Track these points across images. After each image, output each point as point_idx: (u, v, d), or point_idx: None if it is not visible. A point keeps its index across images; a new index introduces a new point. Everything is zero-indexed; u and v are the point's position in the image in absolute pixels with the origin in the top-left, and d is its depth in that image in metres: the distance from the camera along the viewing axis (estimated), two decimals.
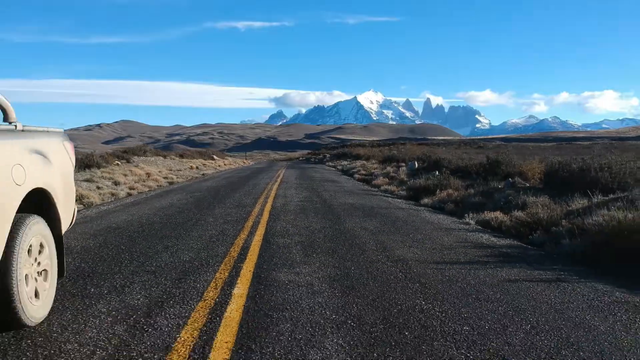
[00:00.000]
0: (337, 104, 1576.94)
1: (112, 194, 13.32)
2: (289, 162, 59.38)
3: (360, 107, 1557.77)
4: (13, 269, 3.03)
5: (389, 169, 26.00)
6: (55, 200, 3.66)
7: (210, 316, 3.59)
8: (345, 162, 40.92)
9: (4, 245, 2.98)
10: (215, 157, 64.33)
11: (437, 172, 18.84)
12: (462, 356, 3.02)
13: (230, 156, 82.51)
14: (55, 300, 3.64)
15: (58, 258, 3.72)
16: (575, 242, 6.71)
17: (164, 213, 9.46)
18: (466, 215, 9.81)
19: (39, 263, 3.41)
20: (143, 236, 6.89)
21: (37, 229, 3.35)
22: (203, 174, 26.37)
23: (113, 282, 4.49)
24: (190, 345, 3.06)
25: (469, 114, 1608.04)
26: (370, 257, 5.77)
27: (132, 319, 3.52)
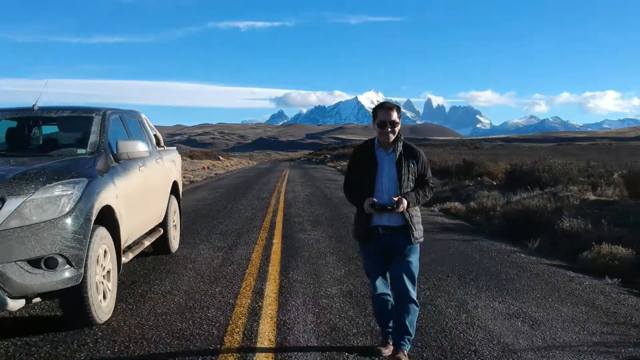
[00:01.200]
0: (338, 104, 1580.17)
1: None
2: (291, 163, 62.33)
3: (361, 107, 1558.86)
4: (169, 218, 6.08)
5: None
6: (180, 186, 6.71)
7: (264, 249, 6.65)
8: (344, 163, 43.90)
9: (166, 206, 6.03)
10: (220, 157, 67.43)
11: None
12: (307, 179, 6.04)
13: (234, 156, 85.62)
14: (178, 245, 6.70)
15: (180, 217, 6.79)
16: (501, 221, 9.72)
17: (203, 204, 12.45)
18: (434, 205, 12.84)
19: (174, 218, 6.45)
20: (199, 217, 9.91)
21: (175, 204, 6.42)
22: (216, 174, 29.36)
23: (200, 238, 7.53)
24: (259, 258, 6.11)
25: (470, 114, 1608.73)
26: (314, 178, 8.80)
27: (223, 250, 6.57)
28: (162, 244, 6.05)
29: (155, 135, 6.41)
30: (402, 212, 3.21)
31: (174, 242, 6.40)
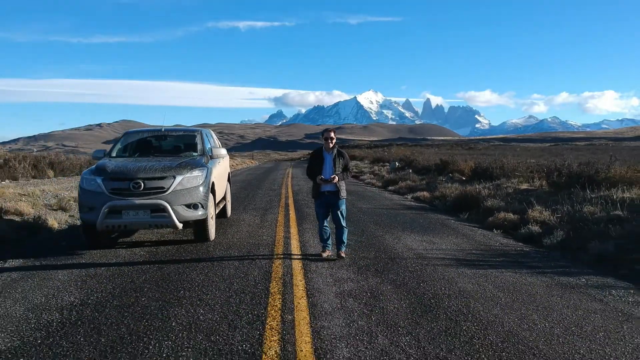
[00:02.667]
0: (337, 104, 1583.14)
1: None
2: (292, 162, 66.03)
3: (360, 107, 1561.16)
4: (227, 194, 9.84)
5: (376, 167, 32.74)
6: (231, 176, 10.46)
7: (285, 216, 10.41)
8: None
9: (226, 186, 9.78)
10: None
11: (410, 170, 25.66)
12: (374, 224, 9.78)
13: (236, 157, 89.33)
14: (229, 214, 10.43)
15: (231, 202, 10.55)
16: (451, 203, 13.47)
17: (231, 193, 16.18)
18: (408, 194, 16.59)
19: (229, 196, 10.21)
20: (232, 201, 13.64)
21: (228, 186, 10.17)
22: (242, 169, 33.06)
23: (240, 211, 11.28)
24: (283, 220, 9.88)
25: (468, 114, 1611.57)
26: (349, 210, 12.51)
27: (258, 217, 10.34)
28: (222, 210, 9.79)
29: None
30: (335, 183, 6.80)
31: (229, 211, 10.15)
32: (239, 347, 3.67)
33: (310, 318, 4.26)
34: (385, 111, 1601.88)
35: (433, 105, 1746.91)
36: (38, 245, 7.85)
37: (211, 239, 7.60)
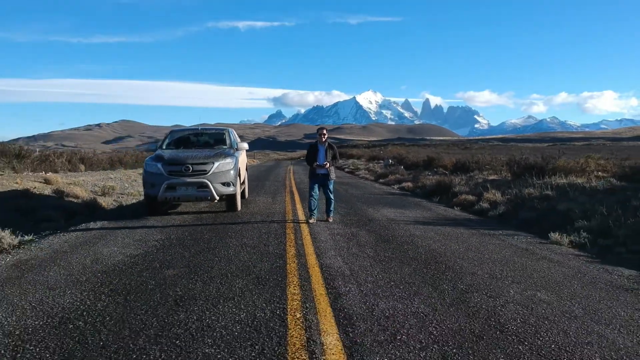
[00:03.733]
0: (336, 104, 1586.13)
1: None
2: (292, 161, 68.65)
3: (359, 107, 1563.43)
4: (246, 180, 12.51)
5: (371, 164, 35.40)
6: (248, 167, 13.11)
7: (291, 198, 13.09)
8: (340, 161, 50.36)
9: (245, 173, 12.46)
10: None
11: (402, 166, 28.32)
12: (361, 203, 12.46)
13: None
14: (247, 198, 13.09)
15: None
16: (428, 190, 16.13)
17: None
18: (395, 185, 19.26)
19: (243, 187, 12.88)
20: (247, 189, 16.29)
21: (246, 174, 12.83)
22: (246, 166, 35.76)
23: (254, 196, 13.94)
24: (289, 200, 12.56)
25: (468, 114, 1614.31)
26: (342, 195, 15.21)
27: (270, 198, 13.01)
28: (241, 192, 12.43)
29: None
30: (327, 168, 9.42)
31: (247, 193, 12.80)
32: (273, 251, 6.33)
33: (312, 242, 6.93)
34: (384, 111, 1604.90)
35: (432, 105, 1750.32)
36: (106, 215, 10.51)
37: (238, 210, 10.27)
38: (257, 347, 3.34)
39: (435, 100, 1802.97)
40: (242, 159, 11.53)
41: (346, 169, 34.37)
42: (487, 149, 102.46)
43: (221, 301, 4.31)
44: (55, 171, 18.89)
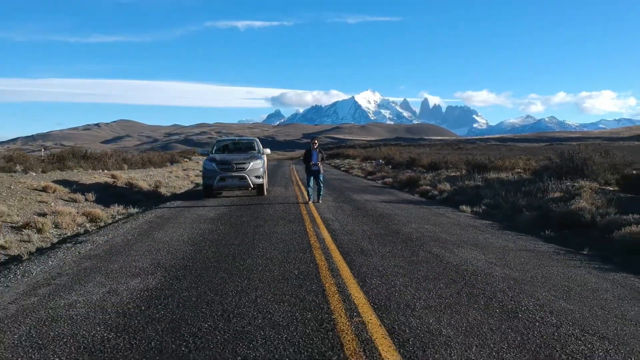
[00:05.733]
0: (334, 104, 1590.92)
1: None
2: (292, 161, 73.48)
3: (358, 106, 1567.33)
4: (265, 178, 17.54)
5: (365, 164, 40.36)
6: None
7: (299, 189, 18.04)
8: (337, 161, 55.27)
9: (267, 174, 17.48)
10: None
11: (390, 166, 33.33)
12: (349, 192, 17.43)
13: None
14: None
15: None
16: (402, 183, 21.10)
17: None
18: (379, 180, 24.22)
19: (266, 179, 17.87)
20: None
21: (267, 174, 17.86)
22: None
23: (271, 187, 18.90)
24: (297, 190, 17.52)
25: (466, 114, 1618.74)
26: (336, 187, 20.17)
27: (283, 188, 17.96)
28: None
29: None
30: (318, 165, 14.33)
31: (266, 185, 17.76)
32: (294, 212, 11.28)
33: (316, 209, 11.89)
34: (383, 111, 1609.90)
35: (431, 105, 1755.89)
36: (174, 198, 15.44)
37: (265, 194, 15.23)
38: (295, 242, 8.27)
39: (433, 100, 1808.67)
40: (265, 160, 16.47)
41: (342, 168, 39.32)
42: (480, 149, 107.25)
43: (275, 226, 9.26)
44: (108, 169, 23.80)
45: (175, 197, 16.85)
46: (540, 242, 8.43)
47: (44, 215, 10.94)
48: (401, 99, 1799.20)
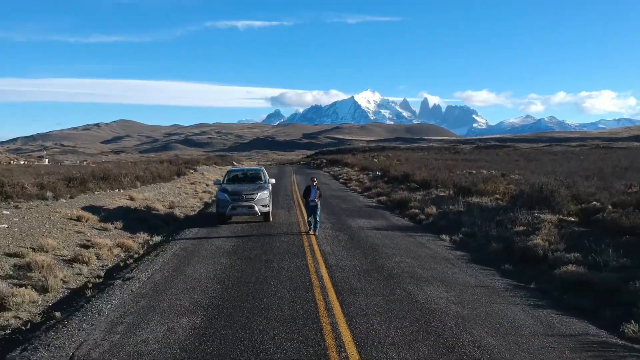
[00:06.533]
0: (334, 104, 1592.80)
1: None
2: (293, 167, 75.27)
3: (357, 106, 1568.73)
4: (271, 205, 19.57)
5: (362, 175, 42.35)
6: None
7: (300, 211, 20.02)
8: (336, 169, 57.23)
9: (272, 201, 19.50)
10: (234, 162, 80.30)
11: (385, 178, 35.34)
12: (345, 216, 19.41)
13: (243, 159, 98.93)
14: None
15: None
16: (394, 203, 23.08)
17: None
18: (374, 198, 26.21)
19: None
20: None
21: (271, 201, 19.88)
22: None
23: (275, 209, 20.88)
24: (298, 212, 19.51)
25: (466, 113, 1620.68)
26: (334, 208, 22.15)
27: (286, 211, 19.96)
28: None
29: None
30: (316, 201, 16.25)
31: (272, 210, 19.72)
32: (296, 243, 13.25)
33: (316, 241, 13.87)
34: (382, 111, 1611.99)
35: (430, 104, 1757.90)
36: (189, 223, 17.40)
37: (270, 221, 17.20)
38: (299, 280, 10.21)
39: (433, 100, 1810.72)
40: (270, 189, 18.49)
41: (341, 180, 41.28)
42: (476, 154, 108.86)
43: (282, 261, 11.23)
44: (124, 188, 25.77)
45: (189, 220, 18.85)
46: (498, 277, 10.42)
47: (85, 247, 12.95)
48: (401, 99, 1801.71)
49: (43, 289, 9.42)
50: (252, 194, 16.55)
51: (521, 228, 13.80)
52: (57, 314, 7.92)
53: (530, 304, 8.51)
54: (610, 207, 15.61)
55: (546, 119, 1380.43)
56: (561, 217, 14.88)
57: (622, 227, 12.01)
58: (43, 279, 9.72)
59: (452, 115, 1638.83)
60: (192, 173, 43.29)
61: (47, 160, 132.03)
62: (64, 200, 18.39)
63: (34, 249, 11.82)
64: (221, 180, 18.30)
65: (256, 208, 16.43)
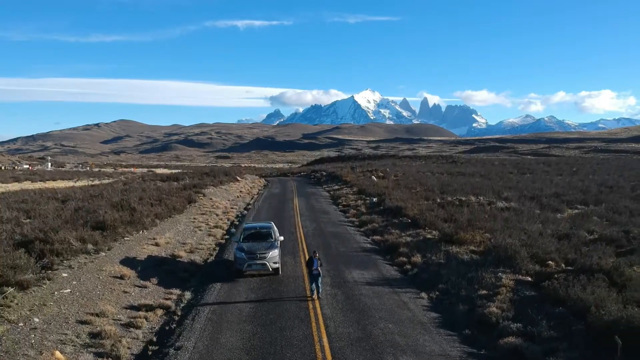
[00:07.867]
0: (334, 103, 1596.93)
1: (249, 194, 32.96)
2: (294, 182, 77.32)
3: (357, 106, 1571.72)
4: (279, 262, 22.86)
5: (359, 202, 45.51)
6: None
7: (303, 259, 23.27)
8: (336, 187, 60.17)
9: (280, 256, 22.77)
10: (238, 178, 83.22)
11: (381, 207, 38.61)
12: (341, 265, 22.67)
13: (246, 159, 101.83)
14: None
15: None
16: (386, 246, 26.31)
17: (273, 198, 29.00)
18: (370, 236, 29.44)
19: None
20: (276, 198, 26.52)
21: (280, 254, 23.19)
22: (258, 191, 45.84)
23: (282, 254, 24.14)
24: (302, 255, 22.78)
25: (465, 113, 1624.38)
26: (332, 252, 25.38)
27: (292, 259, 23.20)
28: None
29: None
30: (318, 270, 19.20)
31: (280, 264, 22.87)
32: (300, 307, 16.49)
33: (319, 304, 17.12)
34: (382, 110, 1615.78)
35: (430, 104, 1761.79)
36: (212, 275, 20.64)
37: (280, 274, 20.50)
38: (306, 353, 13.45)
39: (433, 99, 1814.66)
40: (279, 246, 21.63)
41: (340, 205, 44.39)
42: (472, 163, 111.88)
43: (292, 329, 14.45)
44: (146, 228, 29.01)
45: (210, 268, 22.13)
46: (457, 344, 13.67)
47: (135, 308, 16.21)
48: (401, 99, 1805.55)
49: (116, 358, 12.68)
50: (265, 253, 19.85)
51: (484, 292, 17.05)
52: None
53: None
54: (563, 265, 18.96)
55: (546, 119, 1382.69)
56: (520, 277, 18.13)
57: (558, 297, 15.25)
58: (115, 348, 12.98)
59: (452, 115, 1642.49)
60: (201, 198, 46.53)
61: (50, 164, 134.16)
62: (104, 254, 21.64)
63: (97, 315, 15.08)
64: (238, 238, 21.55)
65: (268, 265, 19.75)
